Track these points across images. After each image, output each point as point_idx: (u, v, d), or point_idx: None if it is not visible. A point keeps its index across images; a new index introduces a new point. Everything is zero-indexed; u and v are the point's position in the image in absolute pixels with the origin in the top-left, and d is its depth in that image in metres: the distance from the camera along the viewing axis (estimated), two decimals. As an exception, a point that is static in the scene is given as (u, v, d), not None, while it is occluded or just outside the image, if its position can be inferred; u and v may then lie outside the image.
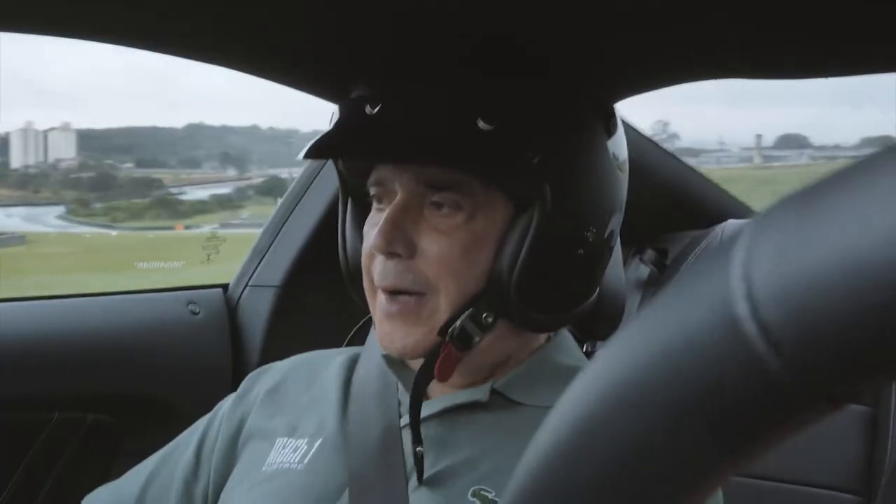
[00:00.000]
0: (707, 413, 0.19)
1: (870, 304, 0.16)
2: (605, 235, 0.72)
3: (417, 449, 0.66)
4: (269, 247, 1.30)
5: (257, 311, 1.27)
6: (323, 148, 0.70)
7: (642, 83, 0.89)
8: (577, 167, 0.69)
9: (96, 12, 0.73)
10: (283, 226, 1.30)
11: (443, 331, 0.67)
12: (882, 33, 0.68)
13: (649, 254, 1.29)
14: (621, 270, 0.89)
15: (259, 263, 1.30)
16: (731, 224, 1.25)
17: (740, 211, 1.41)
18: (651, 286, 1.27)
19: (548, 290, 0.69)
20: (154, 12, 0.73)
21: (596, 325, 0.89)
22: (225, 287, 1.32)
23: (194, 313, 1.24)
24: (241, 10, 0.73)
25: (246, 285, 1.29)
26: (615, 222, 0.73)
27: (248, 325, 1.27)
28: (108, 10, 0.72)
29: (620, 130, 0.76)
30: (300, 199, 1.28)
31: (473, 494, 0.65)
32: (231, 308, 1.28)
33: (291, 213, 1.29)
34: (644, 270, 1.29)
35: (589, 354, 1.01)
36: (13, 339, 1.07)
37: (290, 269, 1.26)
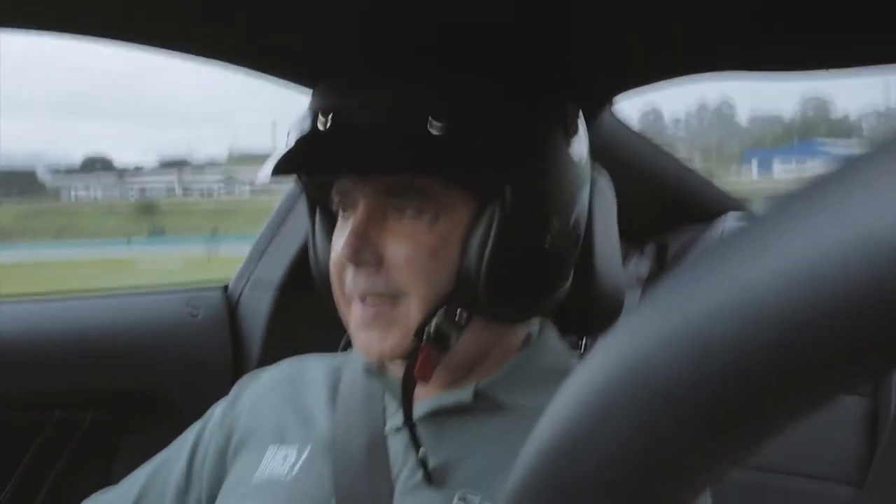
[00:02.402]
0: (705, 405, 0.19)
1: (865, 292, 0.16)
2: (571, 225, 0.72)
3: (421, 451, 0.66)
4: (269, 247, 1.30)
5: (257, 311, 1.26)
6: (282, 166, 0.68)
7: (642, 78, 0.89)
8: (535, 164, 0.68)
9: (78, 8, 0.73)
10: (282, 225, 1.29)
11: (419, 332, 0.67)
12: (879, 29, 0.68)
13: (650, 249, 1.29)
14: (620, 266, 0.89)
15: (258, 263, 1.30)
16: (732, 216, 1.25)
17: (738, 206, 1.41)
18: (651, 282, 1.27)
19: (517, 283, 0.69)
20: (140, 9, 0.73)
21: (594, 321, 0.89)
22: (225, 287, 1.32)
23: (194, 313, 1.24)
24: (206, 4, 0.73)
25: (246, 285, 1.29)
26: (579, 209, 0.73)
27: (248, 325, 1.27)
28: (92, 7, 0.72)
29: (580, 126, 0.74)
30: (300, 199, 1.28)
31: (460, 499, 0.65)
32: (231, 308, 1.28)
33: (291, 212, 1.29)
34: (645, 266, 1.29)
35: (586, 350, 1.01)
36: (13, 339, 1.07)
37: (289, 269, 1.26)
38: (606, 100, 1.07)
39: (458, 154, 0.65)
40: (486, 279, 0.66)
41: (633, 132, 1.26)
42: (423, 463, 0.66)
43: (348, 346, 0.84)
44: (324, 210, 0.76)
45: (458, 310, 0.67)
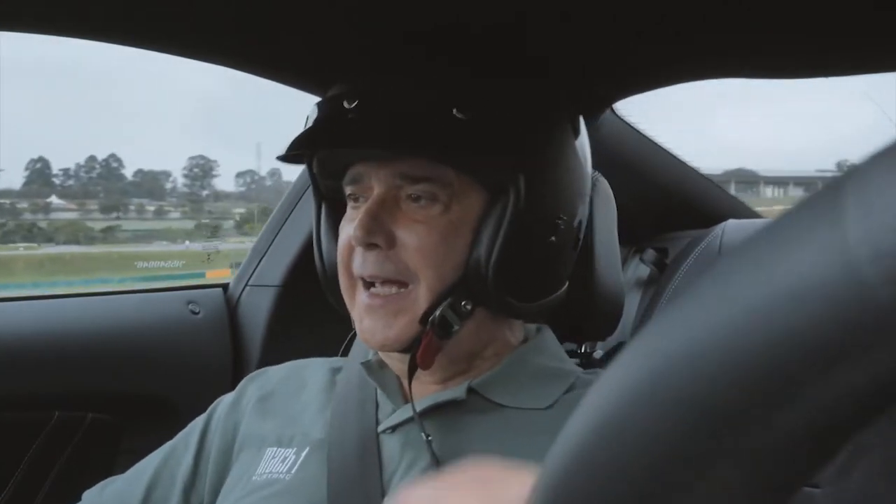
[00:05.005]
0: (712, 424, 0.18)
1: None
2: (575, 224, 0.74)
3: (428, 438, 0.67)
4: (269, 247, 1.30)
5: (257, 310, 1.26)
6: (305, 141, 0.70)
7: (647, 82, 0.89)
8: (548, 156, 0.70)
9: (86, 11, 0.73)
10: (282, 225, 1.29)
11: (423, 319, 0.68)
12: (882, 33, 0.68)
13: (649, 254, 1.29)
14: (619, 270, 0.89)
15: (259, 263, 1.30)
16: (731, 224, 1.25)
17: (740, 211, 1.41)
18: (651, 286, 1.26)
19: (524, 276, 0.70)
20: (143, 11, 0.73)
21: (594, 326, 0.89)
22: (225, 287, 1.32)
23: (194, 313, 1.24)
24: (223, 9, 0.74)
25: (246, 285, 1.29)
26: (582, 212, 0.75)
27: (248, 325, 1.27)
28: (98, 8, 0.72)
29: (584, 131, 0.77)
30: (300, 199, 1.28)
31: None
32: (231, 308, 1.28)
33: (291, 212, 1.29)
34: (644, 270, 1.29)
35: (588, 356, 1.01)
36: (13, 339, 1.07)
37: (290, 269, 1.26)
38: (608, 103, 1.07)
39: (478, 141, 0.66)
40: (494, 269, 0.67)
41: (637, 132, 1.26)
42: (430, 447, 0.66)
43: (349, 349, 0.84)
44: (330, 203, 0.77)
45: (464, 300, 0.68)
